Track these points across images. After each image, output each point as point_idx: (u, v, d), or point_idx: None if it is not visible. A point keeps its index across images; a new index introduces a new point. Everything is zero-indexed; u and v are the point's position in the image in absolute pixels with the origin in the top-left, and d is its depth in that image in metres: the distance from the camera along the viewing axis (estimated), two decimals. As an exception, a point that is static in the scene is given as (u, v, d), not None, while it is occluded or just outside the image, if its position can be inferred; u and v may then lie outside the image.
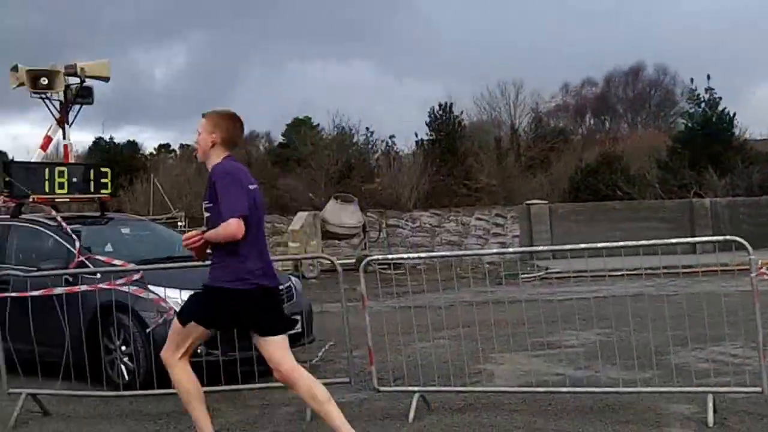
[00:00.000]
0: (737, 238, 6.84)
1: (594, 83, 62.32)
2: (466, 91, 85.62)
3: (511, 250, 13.15)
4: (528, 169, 42.50)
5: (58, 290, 8.66)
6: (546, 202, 31.60)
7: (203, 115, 5.77)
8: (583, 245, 7.58)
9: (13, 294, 8.85)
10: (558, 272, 17.74)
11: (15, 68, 12.71)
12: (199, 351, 8.25)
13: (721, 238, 7.40)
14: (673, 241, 7.26)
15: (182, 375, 5.87)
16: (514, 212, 30.40)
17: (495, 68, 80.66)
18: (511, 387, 8.01)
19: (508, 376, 8.76)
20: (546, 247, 18.22)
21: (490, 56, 75.48)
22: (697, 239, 8.05)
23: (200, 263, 9.58)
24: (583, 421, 6.83)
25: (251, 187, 5.61)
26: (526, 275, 19.66)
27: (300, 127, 46.54)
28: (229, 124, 5.69)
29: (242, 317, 5.74)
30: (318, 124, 46.92)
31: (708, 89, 37.29)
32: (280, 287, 7.38)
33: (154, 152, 54.26)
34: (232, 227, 5.35)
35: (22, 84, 12.70)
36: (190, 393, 5.90)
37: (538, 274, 19.89)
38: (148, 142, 70.22)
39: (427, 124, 44.14)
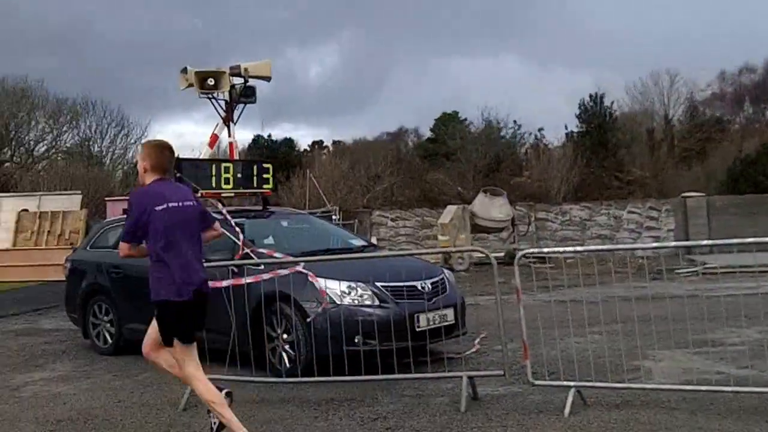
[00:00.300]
0: None
1: (753, 69, 59.43)
2: (617, 81, 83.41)
3: (671, 244, 12.78)
4: (682, 160, 41.20)
5: (225, 283, 9.06)
6: (703, 194, 30.53)
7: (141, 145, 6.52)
8: (750, 239, 7.29)
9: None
10: (715, 267, 17.18)
11: (184, 70, 13.27)
12: (356, 340, 8.55)
13: None
14: None
15: (167, 356, 6.57)
16: (669, 205, 29.54)
17: (647, 57, 78.24)
18: (672, 384, 7.83)
19: (667, 373, 8.56)
20: (709, 242, 17.59)
21: (642, 44, 73.20)
22: None
23: (358, 255, 9.92)
24: (748, 422, 6.62)
25: (171, 205, 6.18)
26: (683, 270, 19.08)
27: (448, 121, 46.66)
28: (157, 153, 6.36)
29: (178, 322, 6.34)
30: (466, 119, 46.94)
31: None
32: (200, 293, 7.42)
33: (308, 148, 55.60)
34: (121, 249, 6.33)
35: (191, 85, 13.26)
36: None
37: (696, 269, 19.28)
38: (303, 138, 71.94)
39: (577, 116, 43.45)
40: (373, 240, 21.96)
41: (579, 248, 9.61)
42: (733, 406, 7.09)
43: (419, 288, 9.28)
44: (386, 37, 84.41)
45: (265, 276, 8.93)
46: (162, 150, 6.42)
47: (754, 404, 7.09)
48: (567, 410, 7.06)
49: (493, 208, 25.59)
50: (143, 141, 6.95)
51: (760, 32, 74.15)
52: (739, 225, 26.03)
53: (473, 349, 10.10)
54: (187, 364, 6.42)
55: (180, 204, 6.26)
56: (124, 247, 6.31)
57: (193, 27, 77.59)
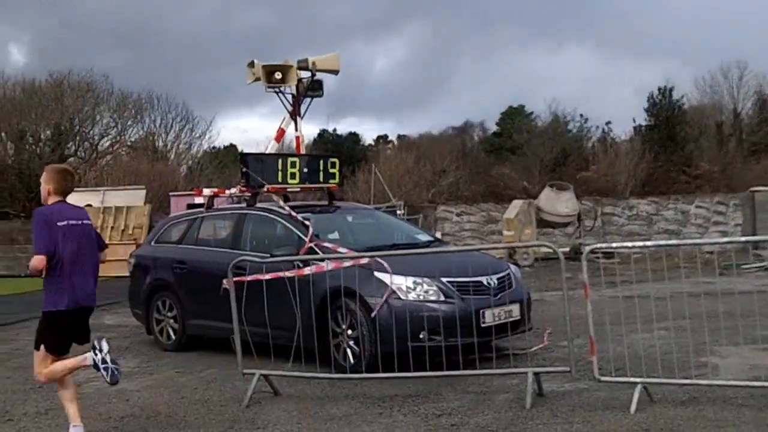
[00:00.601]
0: None
1: (825, 60, 57.99)
2: (687, 74, 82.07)
3: (741, 239, 12.52)
4: (751, 154, 40.37)
5: (289, 273, 9.19)
6: (772, 188, 29.85)
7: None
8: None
9: (249, 278, 9.42)
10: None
11: (251, 64, 13.38)
12: (421, 336, 8.58)
13: None
14: None
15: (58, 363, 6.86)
16: (737, 200, 28.97)
17: (717, 49, 76.56)
18: (740, 381, 7.72)
19: (735, 369, 8.44)
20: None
21: (712, 36, 71.86)
22: None
23: (424, 250, 9.93)
24: (819, 419, 6.53)
25: (72, 222, 6.70)
26: (750, 265, 18.75)
27: (514, 115, 46.41)
28: (59, 177, 6.86)
29: (62, 331, 6.75)
30: (532, 112, 46.62)
31: None
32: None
33: (373, 143, 55.76)
34: (35, 262, 6.51)
35: (257, 79, 13.34)
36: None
37: (764, 263, 18.91)
38: (368, 133, 72.10)
39: (645, 110, 42.89)
40: (438, 235, 21.96)
41: (648, 243, 9.53)
42: (804, 403, 6.98)
43: (485, 283, 9.27)
44: (452, 30, 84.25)
45: (325, 267, 9.02)
46: (65, 175, 6.96)
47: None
48: (633, 407, 7.01)
49: (559, 202, 25.39)
50: (47, 166, 7.44)
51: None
52: (812, 220, 25.42)
53: (541, 345, 10.05)
54: (39, 367, 6.84)
55: (80, 222, 6.81)
56: (41, 259, 6.53)
57: (259, 22, 78.23)
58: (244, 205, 11.44)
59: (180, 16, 76.50)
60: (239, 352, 8.46)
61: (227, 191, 12.19)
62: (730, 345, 9.21)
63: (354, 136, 53.42)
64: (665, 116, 41.26)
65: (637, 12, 78.41)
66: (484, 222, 29.78)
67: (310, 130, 54.69)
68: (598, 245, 8.61)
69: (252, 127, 77.19)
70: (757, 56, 75.75)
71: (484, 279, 9.28)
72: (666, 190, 33.45)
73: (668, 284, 10.28)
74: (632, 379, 7.43)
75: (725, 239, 13.21)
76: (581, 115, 43.76)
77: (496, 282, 9.38)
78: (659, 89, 42.18)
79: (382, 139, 57.31)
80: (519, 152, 39.09)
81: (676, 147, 39.14)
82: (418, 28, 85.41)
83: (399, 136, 56.37)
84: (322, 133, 51.42)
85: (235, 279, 8.74)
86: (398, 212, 25.61)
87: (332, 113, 79.02)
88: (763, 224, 27.28)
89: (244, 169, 11.19)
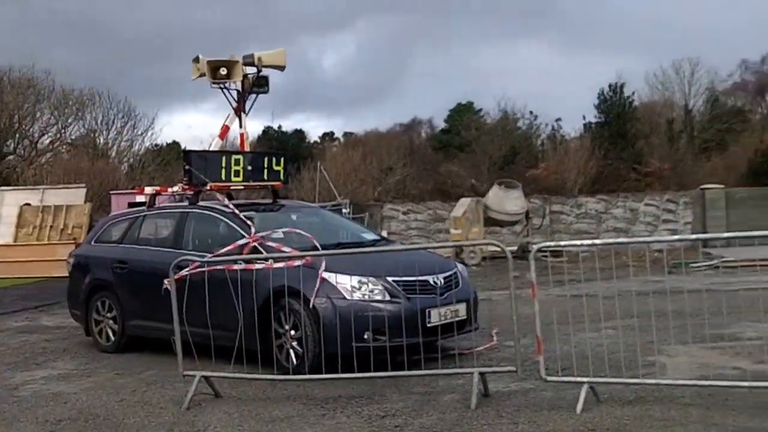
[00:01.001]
0: None
1: (776, 58, 58.90)
2: (639, 70, 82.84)
3: (691, 237, 12.59)
4: (702, 152, 40.83)
5: (236, 266, 9.01)
6: (722, 186, 30.18)
7: None
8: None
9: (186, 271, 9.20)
10: (736, 261, 16.95)
11: (196, 60, 13.17)
12: (366, 337, 8.44)
13: None
14: None
15: None
16: (687, 198, 29.24)
17: (669, 46, 77.39)
18: (685, 380, 7.67)
19: (682, 368, 8.41)
20: (726, 234, 17.34)
21: (664, 33, 72.64)
22: None
23: (368, 249, 9.79)
24: (764, 418, 6.49)
25: None
26: (700, 264, 18.85)
27: (463, 112, 46.44)
28: None
29: None
30: (481, 109, 46.70)
31: None
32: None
33: (319, 140, 55.47)
34: None
35: (202, 75, 13.15)
36: None
37: (713, 262, 19.04)
38: (315, 130, 71.55)
39: (595, 106, 43.07)
40: (384, 234, 21.82)
41: (596, 241, 9.46)
42: (749, 401, 6.95)
43: (432, 283, 9.15)
44: (404, 26, 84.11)
45: (275, 265, 8.86)
46: None
47: (772, 400, 6.93)
48: (579, 406, 6.93)
49: (507, 200, 25.40)
50: None
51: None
52: (759, 218, 25.63)
53: (488, 345, 9.96)
54: None
55: None
56: None
57: (208, 17, 77.36)
58: (186, 203, 11.20)
59: (124, 10, 75.28)
60: (180, 353, 8.29)
61: (169, 189, 11.96)
62: (678, 344, 9.16)
63: (300, 134, 53.07)
64: (616, 113, 41.47)
65: (591, 8, 79.03)
66: (431, 220, 29.69)
67: (255, 127, 54.11)
68: (546, 244, 8.51)
69: (197, 123, 76.29)
70: (708, 52, 76.95)
71: (430, 278, 9.16)
72: (615, 187, 33.64)
73: (616, 283, 10.22)
74: (579, 379, 7.34)
75: (674, 237, 13.25)
76: (531, 113, 43.96)
77: (442, 281, 9.27)
78: (610, 86, 42.40)
79: (328, 136, 57.02)
80: (467, 150, 39.11)
81: (626, 144, 39.40)
82: (369, 24, 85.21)
83: (345, 134, 56.09)
84: (267, 130, 50.94)
85: (176, 277, 8.56)
86: (344, 211, 25.41)
87: (278, 110, 78.39)
88: (713, 222, 27.58)
89: (186, 167, 10.97)
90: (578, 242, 8.54)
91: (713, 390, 7.24)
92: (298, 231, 9.96)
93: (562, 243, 8.60)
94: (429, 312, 8.87)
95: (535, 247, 7.98)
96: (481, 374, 7.54)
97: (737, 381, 7.30)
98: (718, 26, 74.30)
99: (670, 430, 6.36)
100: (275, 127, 51.36)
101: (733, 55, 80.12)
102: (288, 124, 69.07)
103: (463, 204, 25.11)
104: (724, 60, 67.43)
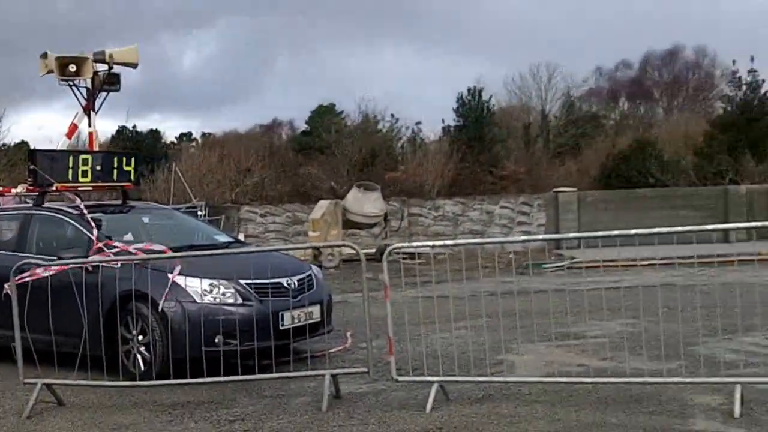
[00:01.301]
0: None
1: (629, 66, 61.51)
2: (499, 74, 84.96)
3: (539, 237, 12.92)
4: (557, 155, 42.06)
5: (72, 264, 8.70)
6: (574, 189, 31.17)
7: None
8: (615, 232, 7.35)
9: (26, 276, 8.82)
10: (584, 261, 17.53)
11: (44, 55, 12.66)
12: (216, 341, 8.28)
13: (759, 224, 7.20)
14: (709, 227, 7.15)
15: None
16: (541, 200, 30.07)
17: (528, 51, 79.48)
18: (532, 377, 7.86)
19: (530, 366, 8.61)
20: (575, 234, 17.92)
21: (524, 39, 74.74)
22: (733, 225, 7.78)
23: (220, 251, 9.61)
24: (605, 412, 6.70)
25: None
26: (550, 265, 19.43)
27: (324, 114, 46.37)
28: None
29: None
30: (342, 111, 46.71)
31: (751, 71, 36.12)
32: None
33: (176, 141, 54.32)
34: None
35: (50, 71, 12.64)
36: None
37: (564, 263, 19.65)
38: (173, 130, 69.81)
39: (454, 110, 43.73)
40: (241, 236, 21.57)
41: (447, 242, 9.59)
42: (592, 397, 7.17)
43: (285, 285, 9.07)
44: (267, 26, 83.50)
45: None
46: None
47: (611, 395, 7.18)
48: (429, 406, 6.99)
49: (365, 203, 25.50)
50: None
51: (637, 29, 76.77)
52: (609, 220, 26.62)
53: (342, 347, 9.95)
54: None
55: None
56: None
57: (63, 10, 74.66)
58: (31, 204, 10.74)
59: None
60: (20, 360, 7.95)
61: (13, 190, 11.43)
62: (526, 342, 9.38)
63: (155, 134, 51.68)
64: (474, 117, 42.19)
65: (453, 12, 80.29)
66: (289, 223, 29.48)
67: (108, 126, 52.43)
68: (398, 245, 8.55)
69: (48, 123, 73.36)
70: (565, 59, 79.44)
71: (283, 280, 9.07)
72: (472, 190, 34.23)
73: (469, 284, 10.38)
74: (429, 378, 7.41)
75: (523, 238, 13.54)
76: (393, 115, 44.26)
77: (296, 283, 9.19)
78: (468, 90, 43.10)
79: (185, 136, 55.94)
80: (327, 151, 39.06)
81: (483, 148, 40.11)
82: (231, 24, 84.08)
83: (203, 134, 55.15)
84: (122, 130, 49.42)
85: (17, 280, 8.21)
86: (199, 213, 25.00)
87: (136, 109, 76.40)
88: (565, 224, 28.47)
89: (31, 167, 10.51)
90: (430, 243, 8.61)
91: (559, 386, 7.45)
92: (153, 247, 9.63)
93: (414, 244, 8.63)
94: (282, 315, 8.77)
95: (388, 248, 8.00)
96: (333, 376, 7.51)
97: (581, 377, 7.51)
98: (575, 34, 77.06)
99: (516, 427, 6.48)
100: (130, 126, 49.85)
101: (588, 62, 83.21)
102: (145, 124, 67.45)
103: (322, 206, 25.06)
104: (580, 66, 69.91)
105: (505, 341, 8.97)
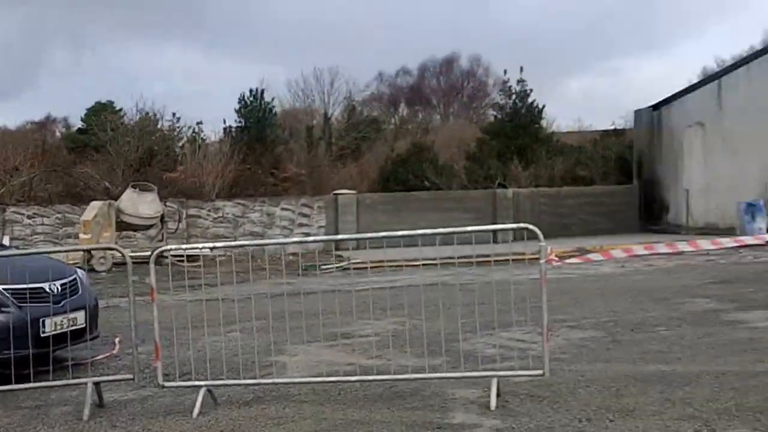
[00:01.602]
0: (530, 226, 7.04)
1: (409, 73, 63.29)
2: (284, 77, 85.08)
3: (310, 239, 13.02)
4: (339, 158, 42.61)
5: None
6: (354, 192, 31.73)
7: None
8: (382, 234, 7.57)
9: None
10: (361, 262, 17.86)
11: None
12: (-30, 350, 7.77)
13: (514, 225, 7.58)
14: (468, 229, 7.44)
15: None
16: (321, 202, 30.39)
17: (313, 54, 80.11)
18: (301, 378, 7.91)
19: (300, 367, 8.65)
20: (345, 236, 18.26)
21: (309, 41, 75.11)
22: (491, 227, 8.17)
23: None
24: (371, 409, 6.83)
25: None
26: (326, 266, 19.65)
27: (101, 112, 44.63)
28: None
29: None
30: (121, 109, 45.11)
31: (519, 81, 38.05)
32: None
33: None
34: None
35: None
36: None
37: (339, 264, 19.93)
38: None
39: (236, 111, 43.34)
40: (6, 240, 20.43)
41: (220, 244, 9.48)
42: (360, 395, 7.30)
43: (46, 290, 8.67)
44: (39, 20, 79.39)
45: None
46: None
47: (379, 392, 7.35)
48: (196, 410, 6.88)
49: (141, 204, 24.83)
50: None
51: (417, 36, 79.02)
52: (386, 222, 27.37)
53: (108, 353, 9.62)
54: None
55: None
56: None
57: None
58: None
59: None
60: None
61: None
62: (300, 343, 9.43)
63: None
64: (256, 118, 42.02)
65: (240, 12, 79.49)
66: (60, 225, 28.16)
67: None
68: (168, 248, 8.37)
69: None
70: (350, 63, 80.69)
71: (45, 285, 8.67)
72: (254, 192, 34.02)
73: (246, 286, 10.34)
74: (197, 383, 7.30)
75: (298, 239, 13.61)
76: (174, 114, 43.23)
77: (59, 288, 8.80)
78: (251, 91, 42.86)
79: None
80: (103, 151, 37.64)
81: (265, 149, 39.99)
82: (4, 15, 79.35)
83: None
84: None
85: None
86: None
87: None
88: (344, 226, 28.95)
89: None
90: (201, 246, 8.48)
91: (327, 386, 7.53)
92: None
93: (184, 246, 8.47)
94: (43, 321, 8.38)
95: (157, 251, 7.81)
96: (96, 384, 7.24)
97: (348, 376, 7.63)
98: (360, 39, 78.43)
99: (283, 428, 6.49)
100: None
101: (371, 68, 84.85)
102: None
103: (94, 207, 24.14)
104: (363, 71, 71.22)
105: (277, 343, 8.99)
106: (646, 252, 17.66)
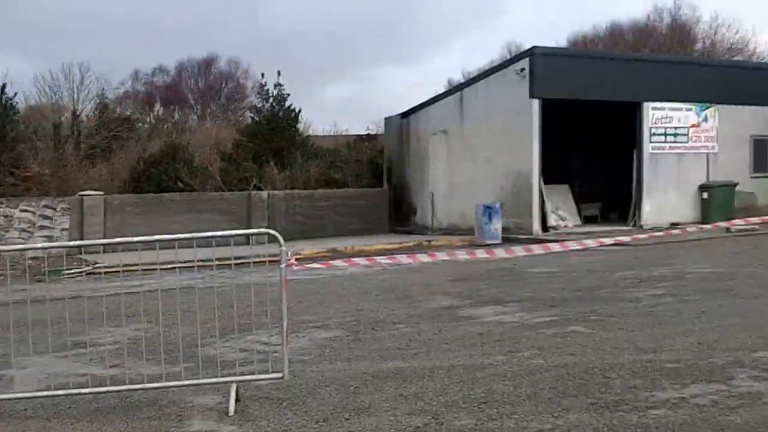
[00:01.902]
0: (271, 231, 7.14)
1: (166, 72, 61.87)
2: (31, 72, 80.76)
3: (56, 244, 12.41)
4: (88, 158, 40.91)
5: None
6: (102, 193, 30.54)
7: None
8: (136, 238, 7.28)
9: None
10: (106, 267, 17.26)
11: None
12: None
13: (255, 231, 7.65)
14: (207, 234, 7.41)
15: None
16: (66, 204, 28.98)
17: (65, 49, 76.06)
18: (27, 392, 7.48)
19: (29, 380, 8.16)
20: (92, 241, 17.61)
21: (60, 36, 71.56)
22: (231, 232, 8.01)
23: None
24: (104, 422, 6.60)
25: None
26: (71, 271, 18.80)
27: None
28: None
29: None
30: None
31: (277, 85, 38.08)
32: None
33: None
34: None
35: None
36: None
37: (85, 269, 19.14)
38: None
39: (-32, 107, 40.50)
40: None
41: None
42: (92, 407, 7.05)
43: None
44: None
45: None
46: None
47: (114, 404, 7.12)
48: None
49: None
50: None
51: (176, 35, 77.31)
52: (136, 224, 26.63)
53: None
54: None
55: None
56: None
57: None
58: None
59: None
60: None
61: None
62: (35, 355, 8.89)
63: None
64: (-5, 115, 39.55)
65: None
66: None
67: None
68: None
69: None
70: (102, 60, 77.52)
71: None
72: (-9, 192, 31.96)
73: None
74: None
75: (46, 245, 12.95)
76: None
77: None
78: (-9, 86, 40.29)
79: None
80: None
81: (5, 147, 37.71)
82: None
83: None
84: None
85: None
86: None
87: None
88: (90, 229, 27.81)
89: None
90: None
91: (58, 400, 7.18)
92: None
93: None
94: None
95: None
96: None
97: (80, 388, 7.28)
98: (115, 36, 75.67)
99: (4, 447, 6.13)
100: None
101: (127, 65, 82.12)
102: None
103: None
104: (119, 69, 68.75)
105: (5, 355, 8.46)
106: (389, 262, 18.22)
